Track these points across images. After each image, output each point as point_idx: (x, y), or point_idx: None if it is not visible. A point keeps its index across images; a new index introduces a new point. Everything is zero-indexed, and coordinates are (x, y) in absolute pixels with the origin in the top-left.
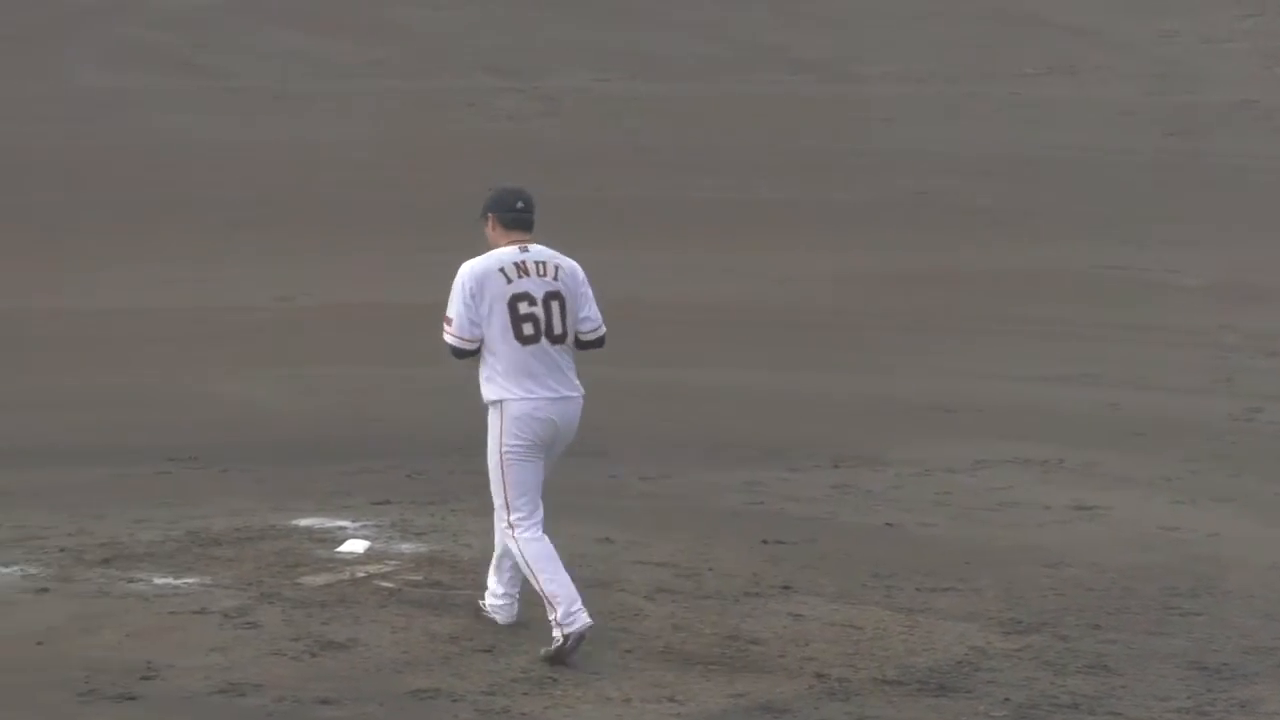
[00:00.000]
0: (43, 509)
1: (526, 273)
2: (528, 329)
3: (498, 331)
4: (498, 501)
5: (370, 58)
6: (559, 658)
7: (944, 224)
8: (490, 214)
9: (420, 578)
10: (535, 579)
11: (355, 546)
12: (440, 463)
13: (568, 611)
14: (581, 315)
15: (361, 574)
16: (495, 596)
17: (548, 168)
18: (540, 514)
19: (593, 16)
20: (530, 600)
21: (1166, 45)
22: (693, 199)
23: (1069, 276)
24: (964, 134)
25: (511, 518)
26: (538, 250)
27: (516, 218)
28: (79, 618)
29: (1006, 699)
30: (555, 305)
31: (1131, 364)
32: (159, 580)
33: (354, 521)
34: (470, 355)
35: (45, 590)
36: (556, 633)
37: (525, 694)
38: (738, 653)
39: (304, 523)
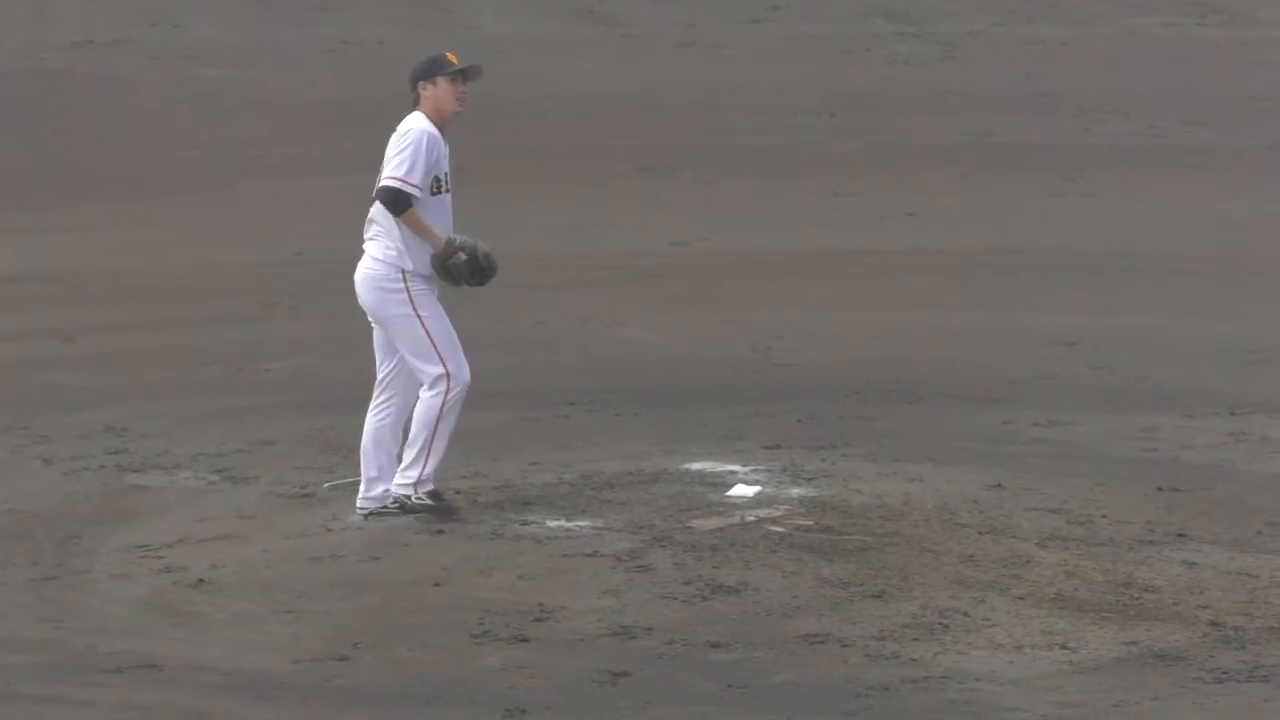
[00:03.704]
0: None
1: None
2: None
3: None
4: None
5: (769, 3)
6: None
7: None
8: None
9: (811, 523)
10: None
11: (745, 491)
12: (832, 408)
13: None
14: None
15: (752, 518)
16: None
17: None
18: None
19: None
20: (913, 549)
21: None
22: (1092, 143)
23: None
24: None
25: None
26: None
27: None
28: (473, 559)
29: None
30: None
31: None
32: (551, 523)
33: (745, 466)
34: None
35: (440, 532)
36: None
37: (915, 640)
38: (1131, 600)
39: (696, 466)
